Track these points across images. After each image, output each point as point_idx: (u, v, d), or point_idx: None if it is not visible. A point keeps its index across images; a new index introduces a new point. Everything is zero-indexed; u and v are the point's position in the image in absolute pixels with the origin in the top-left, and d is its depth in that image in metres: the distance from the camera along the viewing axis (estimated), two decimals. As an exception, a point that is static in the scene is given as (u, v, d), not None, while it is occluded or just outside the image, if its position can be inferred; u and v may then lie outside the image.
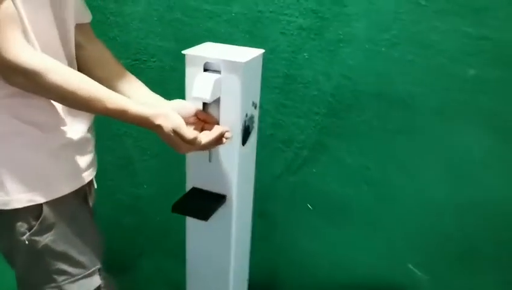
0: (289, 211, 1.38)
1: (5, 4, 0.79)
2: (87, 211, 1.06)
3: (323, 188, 1.31)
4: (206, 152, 1.06)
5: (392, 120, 1.16)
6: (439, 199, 1.18)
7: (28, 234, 0.94)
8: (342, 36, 1.14)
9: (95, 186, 1.10)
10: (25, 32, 0.84)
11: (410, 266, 1.27)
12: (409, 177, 1.20)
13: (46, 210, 0.94)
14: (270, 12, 1.19)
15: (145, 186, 1.61)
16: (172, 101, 1.03)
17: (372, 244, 1.30)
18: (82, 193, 1.04)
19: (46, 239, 0.96)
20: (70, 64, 0.97)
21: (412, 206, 1.22)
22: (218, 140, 0.99)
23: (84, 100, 0.86)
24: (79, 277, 1.01)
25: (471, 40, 1.03)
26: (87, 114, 0.99)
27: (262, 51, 1.06)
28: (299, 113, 1.26)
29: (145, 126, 0.92)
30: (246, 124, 1.05)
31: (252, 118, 1.07)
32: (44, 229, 0.95)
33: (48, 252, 0.97)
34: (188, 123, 1.00)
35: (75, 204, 1.00)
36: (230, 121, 1.01)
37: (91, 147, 1.05)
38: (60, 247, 0.98)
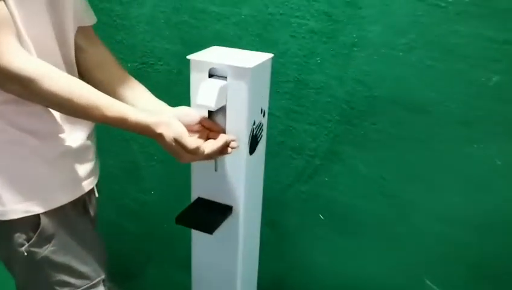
0: (299, 221, 1.32)
1: (-2, 7, 0.75)
2: (87, 221, 1.03)
3: (336, 198, 1.25)
4: (212, 161, 1.01)
5: (409, 128, 1.10)
6: (458, 211, 1.11)
7: (26, 245, 0.91)
8: (356, 40, 1.08)
9: (97, 195, 1.06)
10: (19, 36, 0.80)
11: (427, 281, 1.20)
12: (426, 188, 1.13)
13: (44, 221, 0.90)
14: (281, 14, 1.14)
15: (152, 192, 1.57)
16: (176, 108, 0.98)
17: (387, 257, 1.24)
18: (82, 202, 1.00)
19: (45, 250, 0.92)
20: (69, 69, 0.93)
21: (429, 218, 1.15)
22: (223, 150, 0.93)
23: (81, 108, 0.81)
24: (82, 288, 0.98)
25: (494, 45, 0.96)
26: (88, 120, 0.95)
27: (271, 55, 1.00)
28: (310, 120, 1.20)
29: (146, 134, 0.87)
30: (254, 132, 0.99)
31: (260, 125, 1.02)
32: (43, 240, 0.92)
33: (48, 263, 0.94)
34: (192, 131, 0.96)
35: (74, 214, 0.97)
36: (236, 129, 0.96)
37: (91, 154, 1.01)
38: (61, 258, 0.94)
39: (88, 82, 1.00)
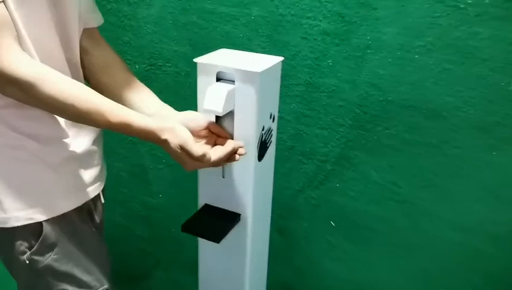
0: (310, 228, 1.29)
1: (-3, 9, 0.73)
2: (92, 228, 1.00)
3: (348, 204, 1.21)
4: (219, 167, 0.98)
5: (424, 133, 1.06)
6: (475, 220, 1.07)
7: (28, 253, 0.89)
8: (370, 42, 1.04)
9: (102, 201, 1.03)
10: (20, 38, 0.77)
11: (442, 292, 1.16)
12: (441, 196, 1.09)
13: (46, 228, 0.88)
14: (292, 15, 1.10)
15: (160, 196, 1.54)
16: (182, 112, 0.95)
17: (400, 266, 1.20)
18: (86, 209, 0.98)
19: (47, 259, 0.90)
20: (74, 72, 0.91)
21: (445, 226, 1.11)
22: (231, 157, 0.90)
23: (83, 113, 0.78)
24: None
25: (517, 48, 0.92)
26: (91, 126, 0.92)
27: (281, 58, 0.97)
28: (322, 124, 1.16)
29: (150, 140, 0.84)
30: (263, 138, 0.96)
31: (269, 131, 0.99)
32: (46, 248, 0.90)
33: (50, 272, 0.91)
34: (199, 136, 0.93)
35: (78, 221, 0.94)
36: (245, 135, 0.93)
37: (97, 159, 0.98)
38: (63, 267, 0.92)
39: (93, 85, 0.98)
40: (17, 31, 0.76)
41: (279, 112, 1.04)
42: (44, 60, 0.81)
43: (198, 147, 0.83)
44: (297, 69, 1.14)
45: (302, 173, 1.24)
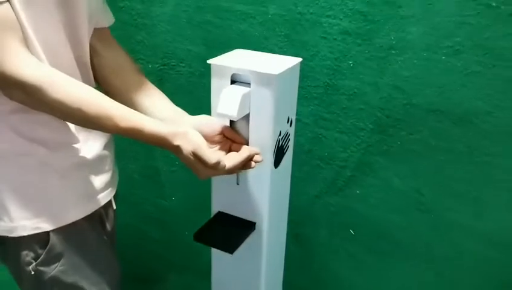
0: (327, 236, 1.23)
1: (0, 9, 0.69)
2: (102, 237, 0.96)
3: (368, 212, 1.15)
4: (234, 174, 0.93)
5: (452, 140, 1.00)
6: (508, 234, 1.00)
7: (34, 264, 0.86)
8: (394, 42, 0.98)
9: (114, 207, 0.99)
10: (27, 40, 0.73)
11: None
12: (469, 206, 1.03)
13: (53, 238, 0.85)
14: (311, 14, 1.05)
15: (173, 199, 1.50)
16: (196, 116, 0.91)
17: (424, 281, 1.14)
18: (97, 217, 0.94)
19: (53, 270, 0.87)
20: (84, 74, 0.87)
21: (473, 239, 1.05)
22: (246, 164, 0.85)
23: (91, 118, 0.74)
24: None
25: (554, 49, 0.86)
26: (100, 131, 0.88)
27: (299, 59, 0.91)
28: (341, 128, 1.11)
29: (162, 146, 0.80)
30: (280, 143, 0.91)
31: (286, 136, 0.94)
32: (52, 258, 0.86)
33: (56, 283, 0.88)
34: (213, 142, 0.88)
35: (87, 230, 0.90)
36: (261, 140, 0.88)
37: (108, 164, 0.94)
38: (70, 278, 0.88)
39: (104, 88, 0.94)
40: (24, 32, 0.73)
41: (296, 114, 0.99)
42: (52, 63, 0.77)
43: (212, 154, 0.78)
44: (316, 70, 1.08)
45: (320, 178, 1.18)
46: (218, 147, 0.89)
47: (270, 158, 0.89)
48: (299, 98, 0.99)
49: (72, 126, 0.84)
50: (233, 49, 1.00)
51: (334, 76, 1.07)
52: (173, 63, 1.28)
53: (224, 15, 1.15)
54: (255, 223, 0.95)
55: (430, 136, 1.02)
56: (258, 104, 0.85)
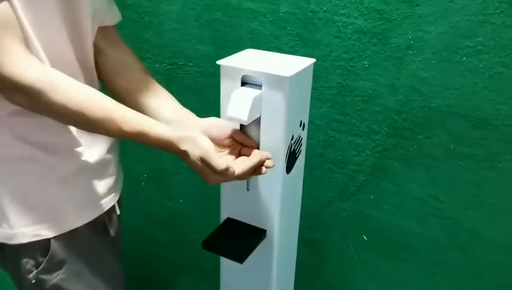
0: (340, 242, 1.19)
1: (-2, 8, 0.65)
2: (105, 244, 0.93)
3: (382, 218, 1.11)
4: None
5: (472, 144, 0.95)
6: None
7: (34, 272, 0.83)
8: (411, 42, 0.94)
9: (118, 212, 0.96)
10: (27, 40, 0.70)
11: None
12: (491, 215, 0.98)
13: (54, 246, 0.81)
14: (324, 12, 1.00)
15: (180, 201, 1.47)
16: (204, 119, 0.87)
17: (439, 288, 1.10)
18: (100, 223, 0.90)
19: (55, 278, 0.84)
20: (87, 75, 0.84)
21: (493, 249, 1.00)
22: (257, 169, 0.81)
23: (94, 121, 0.71)
24: None
25: None
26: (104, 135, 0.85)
27: (312, 60, 0.87)
28: (355, 131, 1.07)
29: (168, 151, 0.76)
30: (292, 148, 0.87)
31: (299, 140, 0.90)
32: (54, 266, 0.83)
33: None
34: (222, 145, 0.85)
35: (90, 237, 0.87)
36: (272, 145, 0.84)
37: (112, 168, 0.91)
38: (72, 286, 0.85)
39: (109, 88, 0.91)
40: (24, 32, 0.69)
41: (309, 116, 0.95)
42: (54, 63, 0.74)
43: (221, 160, 0.74)
44: (329, 71, 1.04)
45: (332, 183, 1.14)
46: (227, 151, 0.85)
47: (281, 163, 0.85)
48: (311, 100, 0.95)
49: (74, 129, 0.81)
50: (243, 49, 0.97)
51: (348, 77, 1.03)
52: (181, 63, 1.25)
53: (233, 13, 1.11)
54: (265, 231, 0.91)
55: (448, 140, 0.98)
56: (269, 108, 0.81)
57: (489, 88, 0.90)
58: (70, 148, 0.81)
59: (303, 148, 0.93)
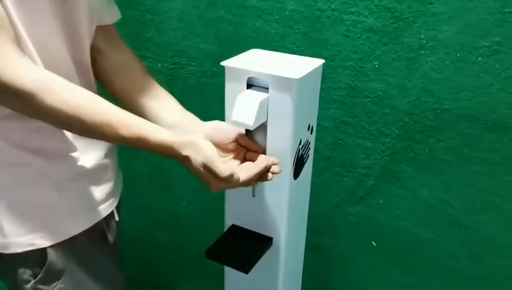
0: (348, 247, 1.16)
1: (-13, 7, 0.62)
2: (104, 251, 0.89)
3: (392, 223, 1.08)
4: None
5: (486, 148, 0.92)
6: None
7: (32, 282, 0.79)
8: (424, 41, 0.90)
9: (117, 218, 0.93)
10: (19, 40, 0.66)
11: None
12: (506, 222, 0.95)
13: (51, 255, 0.78)
14: (332, 10, 0.96)
15: (184, 203, 1.44)
16: (208, 122, 0.83)
17: (451, 296, 1.06)
18: (98, 230, 0.87)
19: (54, 288, 0.80)
20: (83, 77, 0.80)
21: (509, 255, 0.96)
22: (263, 175, 0.77)
23: (90, 126, 0.67)
24: None
25: None
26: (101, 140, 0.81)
27: (321, 61, 0.84)
28: (364, 134, 1.03)
29: (169, 157, 0.73)
30: (300, 153, 0.83)
31: (307, 144, 0.86)
32: (52, 276, 0.80)
33: None
34: (226, 150, 0.81)
35: (88, 244, 0.84)
36: (279, 150, 0.80)
37: (110, 174, 0.87)
38: None
39: (108, 90, 0.87)
40: (16, 31, 0.65)
41: (316, 118, 0.91)
42: (48, 64, 0.70)
43: (225, 166, 0.70)
44: (337, 71, 1.00)
45: (340, 187, 1.11)
46: (231, 155, 0.82)
47: (289, 169, 0.82)
48: (319, 102, 0.91)
49: (69, 133, 0.78)
50: (247, 48, 0.93)
51: (357, 77, 0.99)
52: (184, 62, 1.21)
53: (238, 11, 1.07)
54: (272, 239, 0.88)
55: (462, 144, 0.94)
56: (276, 111, 0.77)
57: (505, 90, 0.86)
58: (65, 153, 0.78)
59: (311, 152, 0.89)
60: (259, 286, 0.93)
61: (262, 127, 0.80)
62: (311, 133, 0.86)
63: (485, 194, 0.95)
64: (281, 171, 0.79)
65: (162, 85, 0.89)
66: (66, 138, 0.77)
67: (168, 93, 0.89)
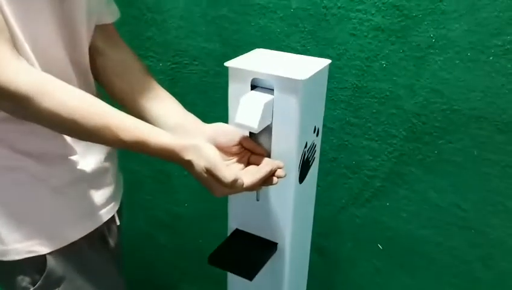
0: (353, 250, 1.13)
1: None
2: (105, 256, 0.87)
3: (399, 226, 1.05)
4: (253, 189, 0.83)
5: (497, 150, 0.89)
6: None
7: (31, 289, 0.76)
8: (433, 40, 0.87)
9: (118, 222, 0.90)
10: (15, 41, 0.64)
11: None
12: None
13: (51, 262, 0.76)
14: (339, 8, 0.94)
15: (186, 205, 1.41)
16: (211, 124, 0.81)
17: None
18: (99, 235, 0.85)
19: None
20: (81, 78, 0.78)
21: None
22: (267, 179, 0.75)
23: (89, 130, 0.65)
24: None
25: None
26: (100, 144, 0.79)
27: (327, 61, 0.81)
28: (371, 135, 1.00)
29: (171, 161, 0.70)
30: (305, 156, 0.81)
31: (313, 147, 0.83)
32: (51, 284, 0.78)
33: None
34: (230, 153, 0.79)
35: (88, 250, 0.82)
36: (284, 153, 0.78)
37: (110, 177, 0.85)
38: None
39: (108, 91, 0.85)
40: (11, 31, 0.63)
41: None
42: (45, 65, 0.68)
43: (229, 171, 0.68)
44: (343, 71, 0.98)
45: (345, 189, 1.08)
46: (235, 159, 0.79)
47: (294, 173, 0.79)
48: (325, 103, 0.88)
49: (67, 137, 0.75)
50: (250, 47, 0.90)
51: (363, 77, 0.97)
52: (186, 62, 1.18)
53: (241, 9, 1.04)
54: (276, 244, 0.86)
55: (472, 146, 0.91)
56: (281, 113, 0.75)
57: (518, 90, 0.84)
58: (64, 156, 0.75)
59: (317, 155, 0.87)
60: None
61: (267, 130, 0.78)
62: (317, 135, 0.84)
63: (496, 197, 0.92)
64: (286, 175, 0.77)
65: (163, 85, 0.87)
66: (64, 141, 0.75)
67: (168, 94, 0.86)
